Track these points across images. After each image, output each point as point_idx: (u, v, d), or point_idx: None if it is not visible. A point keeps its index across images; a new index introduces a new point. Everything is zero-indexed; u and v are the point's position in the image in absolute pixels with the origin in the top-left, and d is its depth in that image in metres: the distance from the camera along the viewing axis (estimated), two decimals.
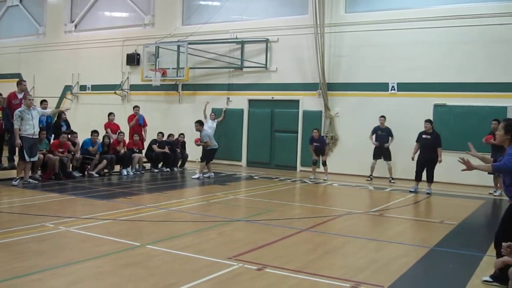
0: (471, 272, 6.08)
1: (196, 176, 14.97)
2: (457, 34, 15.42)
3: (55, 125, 14.43)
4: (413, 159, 13.44)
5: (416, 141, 13.46)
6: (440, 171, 13.45)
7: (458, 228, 8.93)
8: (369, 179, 15.63)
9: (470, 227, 9.37)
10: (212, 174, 15.42)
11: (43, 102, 14.01)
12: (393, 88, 16.42)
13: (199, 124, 15.39)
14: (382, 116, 15.58)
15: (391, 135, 15.48)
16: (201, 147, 15.41)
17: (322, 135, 16.44)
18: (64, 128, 14.35)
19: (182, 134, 17.51)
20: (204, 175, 15.16)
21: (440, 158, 12.96)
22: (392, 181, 15.29)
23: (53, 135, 14.25)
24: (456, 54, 15.47)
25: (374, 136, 15.61)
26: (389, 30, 16.32)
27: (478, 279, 5.78)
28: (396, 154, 15.69)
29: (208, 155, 15.28)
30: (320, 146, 15.69)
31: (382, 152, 15.48)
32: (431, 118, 14.27)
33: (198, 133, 15.40)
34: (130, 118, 16.65)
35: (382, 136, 15.51)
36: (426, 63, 15.85)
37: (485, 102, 15.03)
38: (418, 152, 13.37)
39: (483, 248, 7.25)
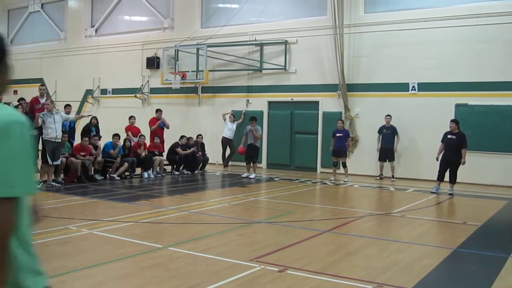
0: (495, 274, 5.99)
1: (252, 176, 15.48)
2: (477, 33, 15.23)
3: (85, 129, 14.57)
4: (437, 159, 13.24)
5: (441, 141, 13.27)
6: (462, 172, 13.26)
7: (481, 229, 8.81)
8: (378, 178, 16.09)
9: (494, 228, 9.23)
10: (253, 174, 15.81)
11: (67, 107, 14.18)
12: (413, 88, 16.27)
13: (255, 120, 15.82)
14: (388, 115, 15.82)
15: (396, 133, 15.69)
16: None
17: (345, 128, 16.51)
18: (94, 133, 14.49)
19: (201, 135, 17.52)
20: (244, 175, 15.61)
21: (464, 159, 12.74)
22: (392, 179, 15.78)
23: (81, 139, 14.39)
24: (477, 52, 15.26)
25: (380, 137, 15.92)
26: (409, 30, 16.19)
27: (503, 281, 5.71)
28: (418, 155, 15.75)
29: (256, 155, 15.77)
30: (340, 147, 15.71)
31: (387, 155, 15.89)
32: (453, 118, 14.07)
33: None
34: (151, 122, 16.76)
35: (388, 135, 15.80)
36: (446, 63, 15.68)
37: (507, 101, 14.80)
38: (443, 152, 13.24)
39: (508, 249, 7.16)
